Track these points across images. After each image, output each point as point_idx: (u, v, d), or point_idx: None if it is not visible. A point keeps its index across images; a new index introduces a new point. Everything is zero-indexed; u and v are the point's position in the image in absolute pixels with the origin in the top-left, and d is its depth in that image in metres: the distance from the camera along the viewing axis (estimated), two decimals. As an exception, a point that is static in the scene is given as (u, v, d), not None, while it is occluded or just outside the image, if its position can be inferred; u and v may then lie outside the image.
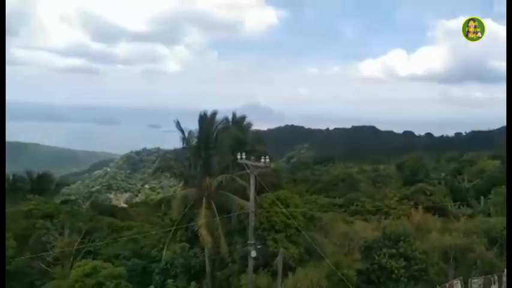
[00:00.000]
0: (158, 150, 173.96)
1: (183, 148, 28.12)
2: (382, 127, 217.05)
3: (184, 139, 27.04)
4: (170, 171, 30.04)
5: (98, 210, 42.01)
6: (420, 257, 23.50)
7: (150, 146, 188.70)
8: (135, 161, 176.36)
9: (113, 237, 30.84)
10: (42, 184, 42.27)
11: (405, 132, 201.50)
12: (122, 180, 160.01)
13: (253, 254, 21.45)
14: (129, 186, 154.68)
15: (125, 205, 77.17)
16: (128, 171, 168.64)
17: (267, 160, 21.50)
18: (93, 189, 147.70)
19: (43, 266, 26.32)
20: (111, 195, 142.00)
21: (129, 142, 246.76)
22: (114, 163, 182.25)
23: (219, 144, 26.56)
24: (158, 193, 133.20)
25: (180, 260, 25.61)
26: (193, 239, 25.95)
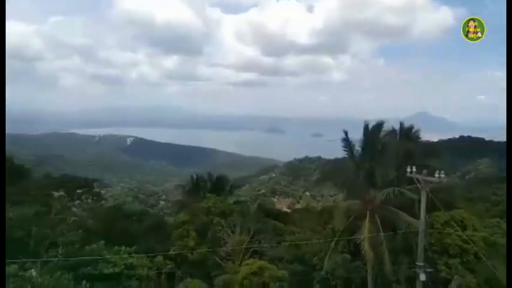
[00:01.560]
0: (319, 158, 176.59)
1: (346, 158, 27.77)
2: None
3: (348, 149, 26.68)
4: (332, 181, 30.00)
5: (264, 213, 44.65)
6: None
7: (312, 154, 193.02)
8: (298, 168, 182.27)
9: (277, 240, 32.38)
10: (219, 185, 46.95)
11: None
12: (285, 186, 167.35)
13: (422, 277, 19.65)
14: (291, 192, 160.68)
15: (287, 210, 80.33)
16: (291, 178, 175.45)
17: (442, 175, 19.46)
18: (259, 192, 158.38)
19: (217, 259, 29.28)
20: (275, 200, 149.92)
21: (293, 150, 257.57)
22: (278, 169, 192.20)
23: (384, 155, 25.36)
24: (318, 201, 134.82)
25: (341, 271, 25.28)
26: (355, 252, 25.27)
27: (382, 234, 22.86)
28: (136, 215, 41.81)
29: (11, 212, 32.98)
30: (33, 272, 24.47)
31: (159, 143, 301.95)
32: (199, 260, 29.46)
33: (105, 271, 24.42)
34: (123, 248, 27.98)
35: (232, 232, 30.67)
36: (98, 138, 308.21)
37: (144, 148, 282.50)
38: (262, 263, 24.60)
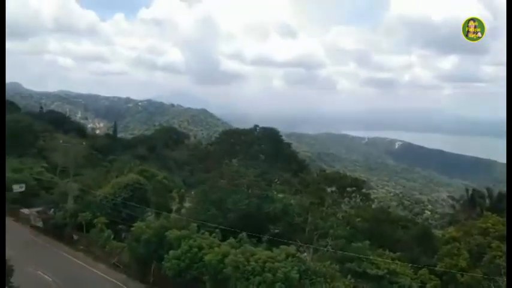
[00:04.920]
0: None
1: None
2: None
3: None
4: None
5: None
6: None
7: None
8: None
9: None
10: (501, 204, 40.56)
11: None
12: None
13: None
14: None
15: None
16: None
17: None
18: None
19: (494, 288, 25.29)
20: None
21: None
22: None
23: None
24: None
25: None
26: None
27: None
28: (402, 221, 40.98)
29: (292, 199, 38.46)
30: (307, 256, 27.72)
31: (428, 149, 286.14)
32: (471, 284, 26.30)
33: (368, 271, 25.11)
34: (387, 252, 28.03)
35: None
36: (366, 139, 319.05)
37: (411, 153, 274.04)
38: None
